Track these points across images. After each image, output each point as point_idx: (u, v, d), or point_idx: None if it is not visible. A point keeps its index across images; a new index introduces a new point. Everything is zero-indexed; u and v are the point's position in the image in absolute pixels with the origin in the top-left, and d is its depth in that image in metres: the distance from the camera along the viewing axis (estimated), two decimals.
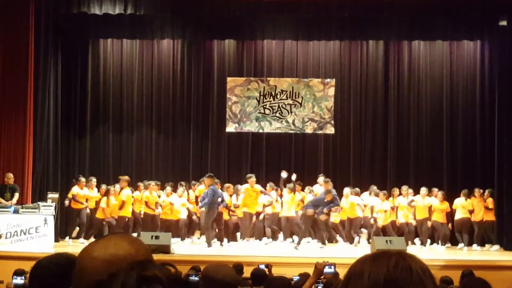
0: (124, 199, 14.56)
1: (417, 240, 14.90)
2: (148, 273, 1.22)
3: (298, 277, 7.25)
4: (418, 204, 14.88)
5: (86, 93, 16.72)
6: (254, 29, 16.66)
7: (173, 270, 1.30)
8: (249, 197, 14.83)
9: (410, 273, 1.25)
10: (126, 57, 16.99)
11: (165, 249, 12.05)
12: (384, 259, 1.28)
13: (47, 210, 13.53)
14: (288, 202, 14.73)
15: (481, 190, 14.83)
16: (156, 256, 1.43)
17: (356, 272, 1.29)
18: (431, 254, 13.60)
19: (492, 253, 14.11)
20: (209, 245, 13.84)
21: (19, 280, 6.24)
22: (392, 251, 1.31)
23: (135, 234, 13.25)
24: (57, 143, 15.70)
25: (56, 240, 13.84)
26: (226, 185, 15.21)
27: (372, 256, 1.32)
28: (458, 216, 14.90)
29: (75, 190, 14.64)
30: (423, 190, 14.99)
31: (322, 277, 5.70)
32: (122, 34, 16.74)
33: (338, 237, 14.74)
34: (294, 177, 15.05)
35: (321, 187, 14.78)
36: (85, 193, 14.71)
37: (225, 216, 14.77)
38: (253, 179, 14.96)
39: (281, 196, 14.98)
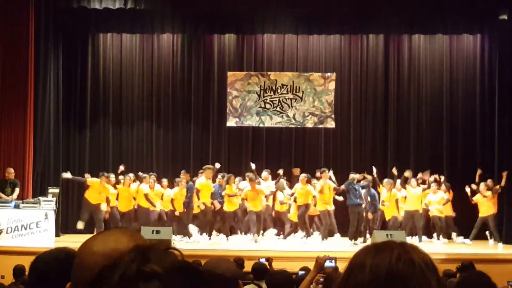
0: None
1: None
2: (147, 268, 1.21)
3: (304, 272, 7.24)
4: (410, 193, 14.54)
5: (86, 88, 16.71)
6: (254, 23, 16.62)
7: (178, 254, 1.29)
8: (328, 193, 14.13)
9: (412, 267, 1.24)
10: (126, 51, 16.98)
11: (166, 244, 12.06)
12: (387, 251, 1.27)
13: (47, 205, 13.54)
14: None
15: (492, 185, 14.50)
16: None
17: (357, 264, 1.28)
18: (432, 247, 13.54)
19: (493, 247, 14.08)
20: (190, 237, 13.85)
21: None
22: (395, 243, 1.30)
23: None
24: (57, 137, 15.71)
25: (57, 235, 13.87)
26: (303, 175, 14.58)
27: (374, 248, 1.30)
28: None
29: (146, 188, 14.61)
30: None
31: (322, 271, 5.69)
32: (122, 28, 16.70)
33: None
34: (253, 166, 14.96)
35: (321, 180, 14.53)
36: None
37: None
38: (327, 173, 14.28)
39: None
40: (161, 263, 1.23)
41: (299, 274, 7.07)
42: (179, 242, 13.27)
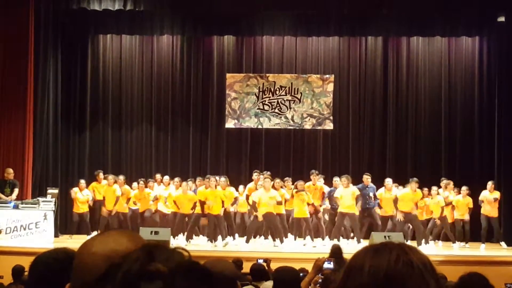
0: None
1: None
2: (151, 267, 1.22)
3: (303, 274, 7.22)
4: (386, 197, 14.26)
5: (86, 89, 16.70)
6: (253, 25, 16.63)
7: (186, 254, 1.29)
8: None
9: (411, 268, 1.24)
10: (125, 53, 16.98)
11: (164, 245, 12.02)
12: (385, 253, 1.27)
13: (46, 206, 13.55)
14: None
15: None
16: None
17: (356, 265, 1.28)
18: (429, 250, 13.51)
19: (491, 249, 14.07)
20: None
21: None
22: (393, 244, 1.30)
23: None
24: (56, 138, 15.71)
25: (56, 236, 13.86)
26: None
27: (372, 249, 1.30)
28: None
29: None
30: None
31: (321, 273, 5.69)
32: (121, 30, 16.70)
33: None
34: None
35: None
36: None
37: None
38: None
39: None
40: (167, 263, 1.23)
41: (301, 275, 7.06)
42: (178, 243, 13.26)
